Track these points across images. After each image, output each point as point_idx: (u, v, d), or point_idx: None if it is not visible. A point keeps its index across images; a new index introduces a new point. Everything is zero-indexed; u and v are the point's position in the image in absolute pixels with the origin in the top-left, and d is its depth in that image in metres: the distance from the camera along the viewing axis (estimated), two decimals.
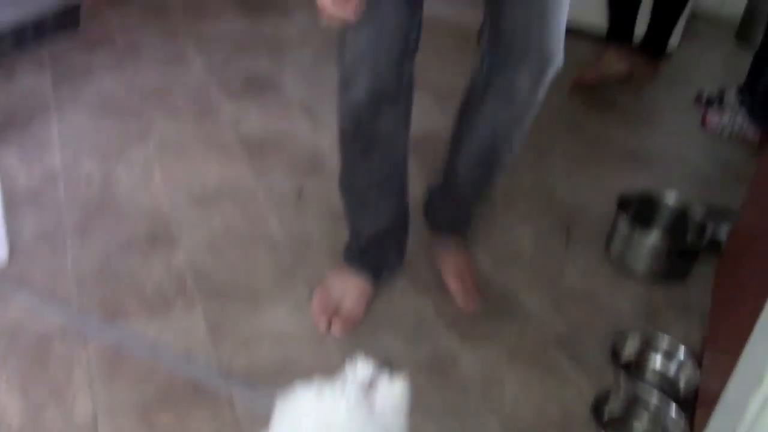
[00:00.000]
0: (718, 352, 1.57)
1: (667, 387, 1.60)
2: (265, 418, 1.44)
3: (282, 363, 1.56)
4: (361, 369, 0.91)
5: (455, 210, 1.79)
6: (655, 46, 2.94)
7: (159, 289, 1.70)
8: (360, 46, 1.45)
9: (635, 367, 1.65)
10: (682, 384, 1.61)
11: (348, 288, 1.69)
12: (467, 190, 1.74)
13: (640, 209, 2.03)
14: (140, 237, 1.85)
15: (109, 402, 1.43)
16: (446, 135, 1.68)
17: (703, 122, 2.68)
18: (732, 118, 2.63)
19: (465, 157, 1.66)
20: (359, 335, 1.65)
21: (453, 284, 1.75)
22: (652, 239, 1.93)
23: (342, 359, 1.58)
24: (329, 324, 1.64)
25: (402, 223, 1.73)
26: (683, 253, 1.93)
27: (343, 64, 1.48)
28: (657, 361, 1.66)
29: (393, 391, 0.91)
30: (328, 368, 1.55)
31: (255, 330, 1.63)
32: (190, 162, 2.15)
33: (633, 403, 1.54)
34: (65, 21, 2.66)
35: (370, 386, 0.91)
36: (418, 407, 1.50)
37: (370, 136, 1.54)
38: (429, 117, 2.27)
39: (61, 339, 1.55)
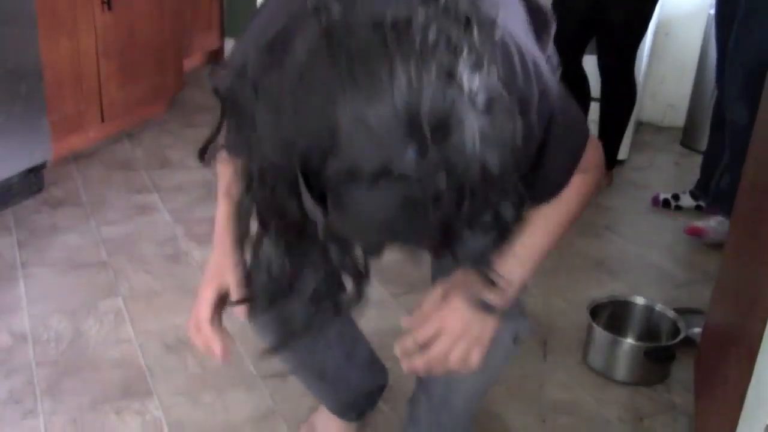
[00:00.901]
0: None
1: None
2: None
3: None
4: None
5: None
6: (606, 157, 3.05)
7: None
8: None
9: None
10: None
11: (330, 428, 1.66)
12: None
13: (612, 315, 2.05)
14: (113, 391, 1.81)
15: None
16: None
17: (696, 233, 2.66)
18: (720, 223, 2.60)
19: (423, 422, 1.47)
20: None
21: None
22: (627, 345, 1.94)
23: None
24: None
25: (376, 385, 1.68)
26: (660, 355, 1.93)
27: None
28: None
29: None
30: None
31: None
32: (162, 310, 2.14)
33: None
34: (30, 183, 2.71)
35: None
36: None
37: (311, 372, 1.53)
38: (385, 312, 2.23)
39: None
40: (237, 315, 1.18)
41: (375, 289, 2.16)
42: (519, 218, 1.08)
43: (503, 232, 1.09)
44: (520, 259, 1.11)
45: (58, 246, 2.43)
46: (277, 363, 1.89)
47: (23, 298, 2.15)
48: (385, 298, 2.16)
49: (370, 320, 1.63)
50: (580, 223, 2.76)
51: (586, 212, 3.08)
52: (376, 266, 1.25)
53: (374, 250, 1.15)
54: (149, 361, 1.92)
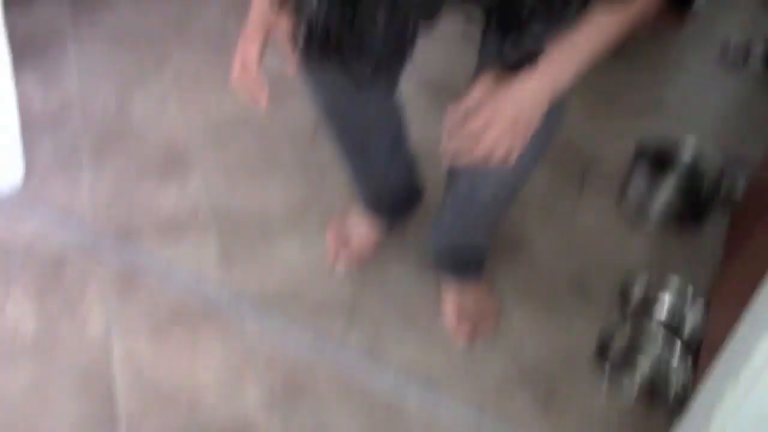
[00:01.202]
0: (727, 298, 1.58)
1: (673, 329, 1.61)
2: (274, 340, 1.47)
3: (292, 289, 1.58)
4: None
5: (452, 257, 1.59)
6: None
7: (173, 215, 1.72)
8: None
9: (642, 309, 1.66)
10: (688, 327, 1.62)
11: (361, 225, 1.70)
12: (459, 245, 1.56)
13: (657, 157, 2.01)
14: (155, 163, 1.86)
15: (121, 318, 1.45)
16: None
17: None
18: None
19: (447, 217, 1.51)
20: (369, 269, 1.66)
21: (448, 320, 1.58)
22: (667, 188, 1.91)
23: (351, 289, 1.61)
24: (339, 256, 1.66)
25: (410, 187, 1.69)
26: (698, 203, 1.92)
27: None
28: (665, 303, 1.66)
29: None
30: (337, 297, 1.59)
31: (267, 258, 1.65)
32: (207, 92, 2.14)
33: (638, 344, 1.55)
34: None
35: None
36: (426, 338, 1.53)
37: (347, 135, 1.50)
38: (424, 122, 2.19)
39: (76, 257, 1.57)
40: (288, 70, 1.18)
41: (417, 98, 2.14)
42: (583, 9, 1.04)
43: (564, 20, 1.05)
44: (574, 52, 1.08)
45: (110, 19, 2.41)
46: (315, 156, 1.93)
47: (72, 64, 2.17)
48: (426, 108, 2.14)
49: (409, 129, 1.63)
50: (643, 59, 2.67)
51: (651, 51, 2.96)
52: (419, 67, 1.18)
53: (428, 11, 1.12)
54: (192, 141, 1.95)
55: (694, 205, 1.92)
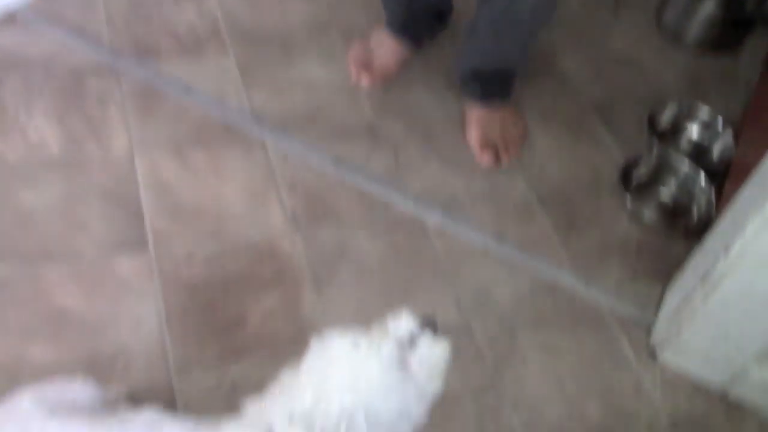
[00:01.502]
0: (758, 126, 1.54)
1: (700, 157, 1.59)
2: (296, 161, 1.47)
3: (314, 110, 1.56)
4: (403, 324, 0.85)
5: (481, 79, 1.56)
6: None
7: (191, 32, 1.67)
8: None
9: (670, 136, 1.63)
10: (715, 154, 1.60)
11: (384, 45, 1.65)
12: (490, 66, 1.53)
13: None
14: None
15: (144, 137, 1.45)
16: None
17: None
18: None
19: (481, 35, 1.48)
20: (392, 91, 1.63)
21: (471, 144, 1.56)
22: (708, 6, 1.82)
23: (373, 111, 1.58)
24: (361, 76, 1.62)
25: (441, 9, 1.65)
26: (739, 22, 1.83)
27: None
28: (693, 130, 1.63)
29: (433, 354, 0.83)
30: (359, 119, 1.57)
31: (288, 77, 1.61)
32: None
33: (662, 170, 1.54)
34: None
35: (410, 344, 0.85)
36: (447, 162, 1.52)
37: None
38: None
39: (96, 75, 1.55)
40: None
41: None
42: None
43: None
44: None
45: None
46: None
47: None
48: None
49: None
50: None
51: None
52: None
53: None
54: None
55: (732, 28, 1.83)
